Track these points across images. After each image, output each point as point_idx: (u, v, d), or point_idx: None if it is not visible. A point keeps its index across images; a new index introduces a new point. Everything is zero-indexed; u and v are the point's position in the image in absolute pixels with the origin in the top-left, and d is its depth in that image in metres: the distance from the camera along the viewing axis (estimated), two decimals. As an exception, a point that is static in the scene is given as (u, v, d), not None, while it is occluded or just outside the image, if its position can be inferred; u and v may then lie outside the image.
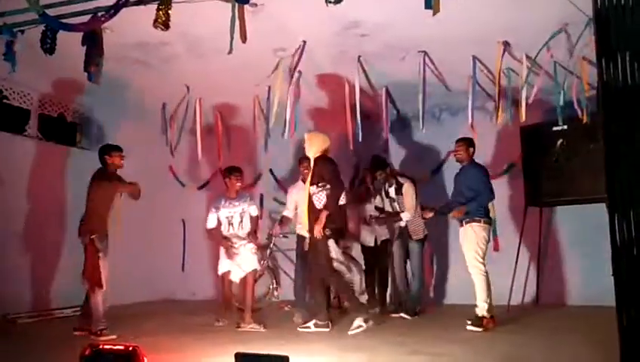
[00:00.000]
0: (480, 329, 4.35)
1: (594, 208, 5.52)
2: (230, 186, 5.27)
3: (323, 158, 4.79)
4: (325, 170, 4.73)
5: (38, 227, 5.81)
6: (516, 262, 5.66)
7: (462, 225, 4.67)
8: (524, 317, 5.04)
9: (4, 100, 5.66)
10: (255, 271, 5.19)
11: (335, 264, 4.65)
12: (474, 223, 4.58)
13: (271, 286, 6.55)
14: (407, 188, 5.40)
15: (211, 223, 5.29)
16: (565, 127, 5.20)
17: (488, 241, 4.68)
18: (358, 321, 4.47)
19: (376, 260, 5.80)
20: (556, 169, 5.32)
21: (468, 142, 4.85)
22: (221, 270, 5.19)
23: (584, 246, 5.63)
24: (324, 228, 4.58)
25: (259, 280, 5.88)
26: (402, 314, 5.28)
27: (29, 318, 5.39)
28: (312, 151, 4.82)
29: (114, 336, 4.35)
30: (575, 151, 5.20)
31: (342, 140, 5.88)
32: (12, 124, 5.73)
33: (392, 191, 5.47)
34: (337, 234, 4.74)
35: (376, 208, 5.68)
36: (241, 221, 5.23)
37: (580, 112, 4.91)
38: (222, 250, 5.21)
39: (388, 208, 5.54)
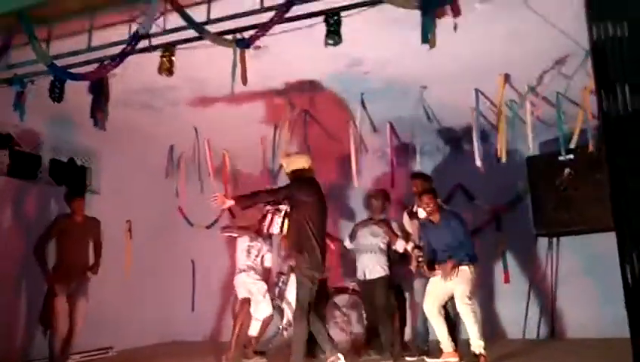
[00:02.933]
0: None
1: (604, 237, 5.47)
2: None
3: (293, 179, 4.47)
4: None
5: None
6: (529, 294, 5.55)
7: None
8: (539, 351, 4.91)
9: (17, 148, 5.78)
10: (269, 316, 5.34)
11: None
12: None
13: (280, 327, 6.44)
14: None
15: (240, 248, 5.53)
16: (572, 156, 5.18)
17: None
18: None
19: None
20: (564, 199, 5.28)
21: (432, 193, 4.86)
22: (241, 295, 5.33)
23: (596, 276, 5.52)
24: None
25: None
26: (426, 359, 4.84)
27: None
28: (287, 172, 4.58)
29: None
30: (583, 180, 5.17)
31: (347, 176, 5.89)
32: (24, 170, 5.84)
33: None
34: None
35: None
36: (258, 256, 5.43)
37: (587, 141, 4.91)
38: (238, 280, 5.34)
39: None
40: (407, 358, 4.90)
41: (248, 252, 5.47)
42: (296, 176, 4.41)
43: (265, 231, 4.79)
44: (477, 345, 4.35)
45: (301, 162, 4.48)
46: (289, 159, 4.66)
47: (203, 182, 6.37)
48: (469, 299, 4.43)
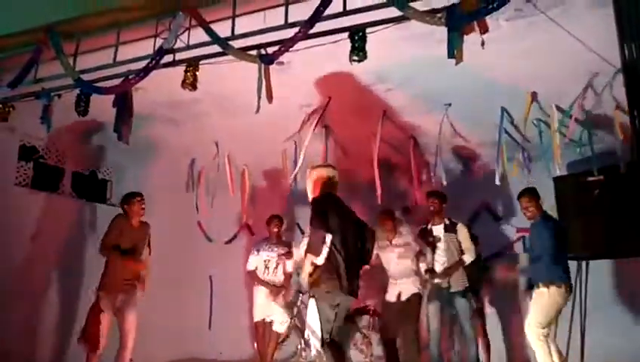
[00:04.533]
0: None
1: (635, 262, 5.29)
2: (270, 233, 5.50)
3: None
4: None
5: (70, 281, 5.82)
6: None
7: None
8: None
9: (41, 160, 5.86)
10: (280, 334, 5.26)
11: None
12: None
13: (299, 346, 6.33)
14: (462, 227, 4.99)
15: (251, 265, 5.46)
16: (602, 177, 5.02)
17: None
18: None
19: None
20: (594, 221, 5.10)
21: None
22: (257, 317, 5.29)
23: (626, 301, 5.32)
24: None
25: (287, 340, 5.75)
26: None
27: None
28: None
29: None
30: (613, 202, 4.99)
31: (370, 191, 5.81)
32: (47, 182, 5.90)
33: (437, 229, 5.03)
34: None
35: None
36: (277, 267, 5.37)
37: (618, 162, 4.76)
38: (257, 296, 5.30)
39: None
40: None
41: (266, 267, 5.40)
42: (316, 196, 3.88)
43: None
44: None
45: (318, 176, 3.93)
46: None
47: (223, 197, 6.37)
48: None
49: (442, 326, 4.96)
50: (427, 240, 4.98)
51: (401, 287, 5.01)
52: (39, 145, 5.79)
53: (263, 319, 5.23)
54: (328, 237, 3.45)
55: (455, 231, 4.92)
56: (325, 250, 3.44)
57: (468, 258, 4.83)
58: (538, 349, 4.11)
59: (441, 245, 4.93)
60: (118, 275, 4.52)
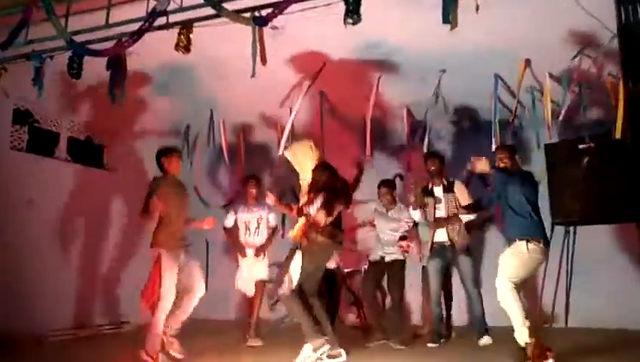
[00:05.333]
0: None
1: (622, 227, 5.41)
2: (247, 194, 5.42)
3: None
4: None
5: (67, 245, 5.91)
6: (543, 283, 5.50)
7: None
8: (553, 341, 4.86)
9: (35, 124, 5.84)
10: (264, 282, 5.25)
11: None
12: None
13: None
14: (459, 185, 4.97)
15: (229, 222, 5.40)
16: (592, 144, 5.07)
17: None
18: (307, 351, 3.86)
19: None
20: (583, 188, 5.18)
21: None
22: (238, 285, 5.33)
23: (612, 266, 5.46)
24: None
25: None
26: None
27: (59, 336, 5.42)
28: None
29: None
30: (602, 169, 5.06)
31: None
32: (43, 146, 5.91)
33: (437, 190, 5.01)
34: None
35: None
36: (258, 227, 5.31)
37: (609, 129, 4.80)
38: (240, 264, 5.31)
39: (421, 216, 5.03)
40: (429, 344, 4.75)
41: (247, 228, 5.33)
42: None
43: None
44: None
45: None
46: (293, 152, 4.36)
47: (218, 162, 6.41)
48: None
49: (441, 286, 4.96)
50: (422, 202, 4.99)
51: (386, 251, 5.13)
52: (33, 109, 5.77)
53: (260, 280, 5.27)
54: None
55: (453, 191, 4.97)
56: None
57: (466, 216, 4.83)
58: (512, 303, 3.72)
59: (441, 205, 4.96)
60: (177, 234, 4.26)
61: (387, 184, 5.33)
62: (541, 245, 3.86)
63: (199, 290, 4.31)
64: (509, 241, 3.95)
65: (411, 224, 5.19)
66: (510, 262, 3.83)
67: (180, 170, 4.44)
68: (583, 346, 4.61)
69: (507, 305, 3.71)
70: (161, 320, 4.02)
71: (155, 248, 4.15)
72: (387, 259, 5.11)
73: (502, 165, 4.13)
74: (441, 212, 4.96)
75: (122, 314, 6.41)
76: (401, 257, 5.11)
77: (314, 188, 4.04)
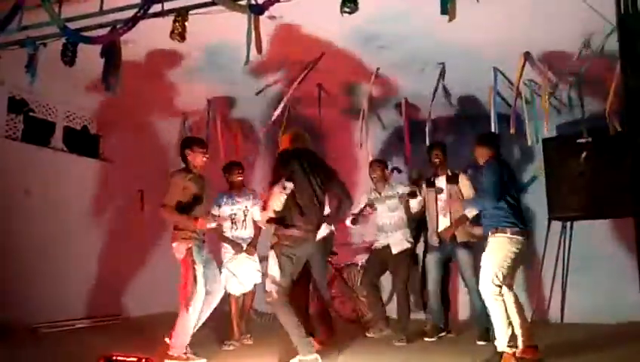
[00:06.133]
0: None
1: (619, 222, 5.39)
2: (232, 183, 4.92)
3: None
4: None
5: (62, 236, 5.86)
6: (540, 277, 5.50)
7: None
8: (548, 336, 4.87)
9: (30, 113, 5.81)
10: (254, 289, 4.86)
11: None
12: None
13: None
14: (463, 177, 4.88)
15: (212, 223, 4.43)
16: (590, 139, 5.05)
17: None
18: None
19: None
20: (580, 182, 5.16)
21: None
22: (229, 289, 4.72)
23: (609, 261, 5.45)
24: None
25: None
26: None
27: (52, 328, 5.40)
28: None
29: None
30: (600, 164, 5.04)
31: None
32: (38, 136, 5.87)
33: (440, 181, 4.93)
34: None
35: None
36: (245, 219, 4.83)
37: (607, 124, 4.78)
38: (227, 265, 4.73)
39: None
40: (426, 338, 4.70)
41: (233, 222, 4.79)
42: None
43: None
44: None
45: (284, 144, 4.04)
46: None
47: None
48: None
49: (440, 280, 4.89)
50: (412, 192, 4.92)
51: (392, 240, 4.94)
52: (29, 99, 5.73)
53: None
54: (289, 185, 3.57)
55: (457, 182, 4.89)
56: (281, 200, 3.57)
57: (470, 212, 4.64)
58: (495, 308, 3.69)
59: (443, 196, 4.87)
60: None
61: (374, 161, 5.24)
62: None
63: (219, 290, 4.19)
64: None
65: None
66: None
67: (203, 165, 4.17)
68: (577, 341, 4.61)
69: (492, 310, 3.69)
70: (194, 317, 3.89)
71: (182, 243, 3.96)
72: (394, 250, 4.89)
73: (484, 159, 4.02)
74: (441, 203, 4.87)
75: (116, 306, 6.39)
76: (407, 245, 4.92)
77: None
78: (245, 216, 4.86)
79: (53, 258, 5.72)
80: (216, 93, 5.87)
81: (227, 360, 4.16)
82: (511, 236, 3.72)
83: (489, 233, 3.83)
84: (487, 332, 4.36)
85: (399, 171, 6.03)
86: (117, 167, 6.64)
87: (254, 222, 4.87)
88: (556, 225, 5.61)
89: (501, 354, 3.59)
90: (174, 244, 4.01)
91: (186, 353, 3.84)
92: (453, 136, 6.25)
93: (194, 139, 4.30)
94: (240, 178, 4.96)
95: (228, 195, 4.90)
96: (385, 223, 5.03)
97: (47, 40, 3.90)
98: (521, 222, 3.81)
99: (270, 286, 3.55)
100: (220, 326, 4.92)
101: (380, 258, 5.05)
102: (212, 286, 4.07)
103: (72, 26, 3.72)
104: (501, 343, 3.59)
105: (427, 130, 5.50)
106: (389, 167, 5.49)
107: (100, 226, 6.39)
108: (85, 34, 3.77)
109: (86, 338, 5.00)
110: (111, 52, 3.82)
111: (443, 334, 4.87)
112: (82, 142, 6.44)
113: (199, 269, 3.91)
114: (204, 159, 4.14)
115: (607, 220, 5.55)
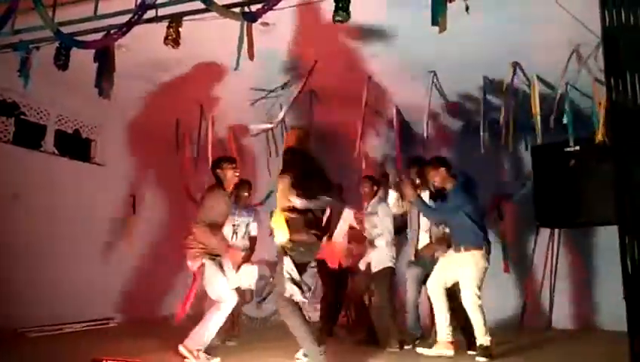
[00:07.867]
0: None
1: (606, 230, 5.45)
2: (239, 198, 5.03)
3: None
4: None
5: (51, 241, 5.83)
6: (527, 284, 5.55)
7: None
8: (535, 342, 4.91)
9: (22, 116, 5.78)
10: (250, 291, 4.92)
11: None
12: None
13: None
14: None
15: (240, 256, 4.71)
16: (577, 147, 5.13)
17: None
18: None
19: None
20: (568, 190, 5.24)
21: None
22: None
23: (596, 268, 5.52)
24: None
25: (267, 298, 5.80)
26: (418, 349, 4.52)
27: (39, 332, 5.34)
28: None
29: None
30: (587, 172, 5.12)
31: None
32: (29, 139, 5.84)
33: (425, 196, 4.81)
34: None
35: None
36: (245, 233, 5.13)
37: (594, 133, 4.85)
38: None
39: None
40: (389, 349, 4.59)
41: (234, 232, 5.02)
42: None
43: None
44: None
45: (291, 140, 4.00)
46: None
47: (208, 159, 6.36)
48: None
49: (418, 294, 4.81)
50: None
51: (374, 256, 4.89)
52: (20, 101, 5.71)
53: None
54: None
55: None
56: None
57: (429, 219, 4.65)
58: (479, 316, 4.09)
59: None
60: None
61: (369, 177, 5.24)
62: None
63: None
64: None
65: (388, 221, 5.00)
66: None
67: (234, 180, 4.28)
68: (564, 347, 4.65)
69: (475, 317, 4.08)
70: (220, 320, 3.96)
71: (196, 259, 4.03)
72: (373, 269, 4.87)
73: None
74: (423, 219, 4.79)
75: (106, 310, 6.35)
76: (388, 264, 4.86)
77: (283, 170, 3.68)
78: (246, 230, 5.14)
79: (42, 261, 5.68)
80: (209, 98, 5.89)
81: (228, 357, 4.17)
82: (485, 253, 4.15)
83: (462, 248, 4.18)
84: (474, 341, 4.29)
85: (387, 177, 6.05)
86: (108, 171, 6.62)
87: (250, 237, 5.17)
88: (545, 231, 5.68)
89: (486, 347, 4.02)
90: (189, 263, 4.10)
91: (198, 351, 3.87)
92: (444, 146, 6.31)
93: (222, 158, 4.37)
94: (248, 194, 5.25)
95: (235, 207, 5.00)
96: (369, 240, 5.01)
97: (40, 44, 3.90)
98: (485, 237, 4.21)
99: (291, 289, 3.53)
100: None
101: (364, 276, 5.00)
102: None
103: (65, 30, 3.72)
104: (485, 340, 4.04)
105: (424, 129, 5.47)
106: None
107: (91, 230, 6.36)
108: (79, 38, 3.77)
109: (75, 343, 4.95)
110: (105, 57, 3.83)
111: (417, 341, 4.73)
112: (74, 146, 6.41)
113: (221, 277, 4.00)
114: (237, 174, 4.25)
115: (593, 227, 5.62)
